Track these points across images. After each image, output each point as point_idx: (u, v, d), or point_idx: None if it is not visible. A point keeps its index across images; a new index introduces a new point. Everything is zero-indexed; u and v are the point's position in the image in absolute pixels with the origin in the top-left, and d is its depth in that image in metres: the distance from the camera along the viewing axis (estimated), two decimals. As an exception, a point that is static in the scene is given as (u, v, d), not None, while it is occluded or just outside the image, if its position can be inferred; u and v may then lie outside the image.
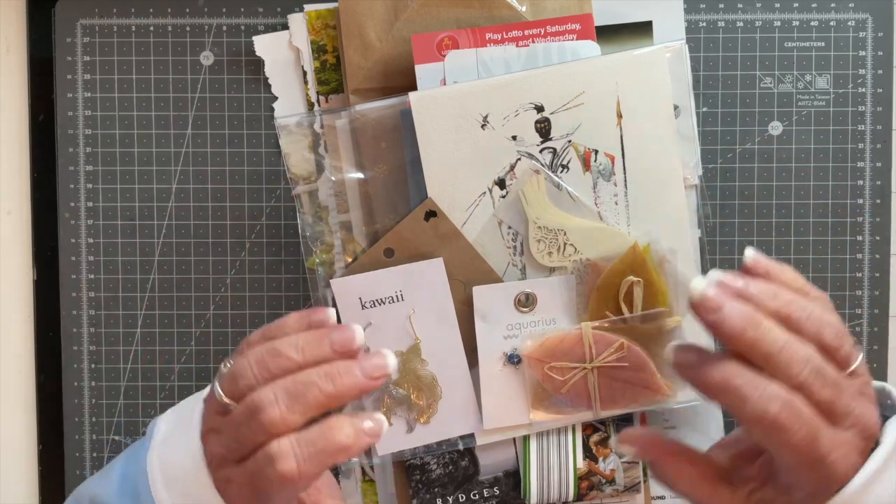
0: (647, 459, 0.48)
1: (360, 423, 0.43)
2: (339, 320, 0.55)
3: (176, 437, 0.48)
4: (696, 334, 0.55)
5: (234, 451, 0.44)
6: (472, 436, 0.56)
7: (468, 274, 0.55)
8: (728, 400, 0.42)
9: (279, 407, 0.43)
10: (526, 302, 0.55)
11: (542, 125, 0.55)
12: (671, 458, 0.48)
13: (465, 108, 0.54)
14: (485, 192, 0.55)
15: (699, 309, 0.42)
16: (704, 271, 0.56)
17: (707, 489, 0.46)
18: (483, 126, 0.54)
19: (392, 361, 0.44)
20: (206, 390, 0.49)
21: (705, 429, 0.58)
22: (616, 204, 0.55)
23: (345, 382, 0.43)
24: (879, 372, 0.60)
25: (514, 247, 0.55)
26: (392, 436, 0.56)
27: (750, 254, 0.45)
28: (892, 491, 0.43)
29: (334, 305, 0.55)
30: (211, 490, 0.45)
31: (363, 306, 0.55)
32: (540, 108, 0.54)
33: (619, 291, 0.55)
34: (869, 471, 0.43)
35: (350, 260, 0.56)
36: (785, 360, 0.41)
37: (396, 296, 0.55)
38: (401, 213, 0.55)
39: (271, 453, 0.42)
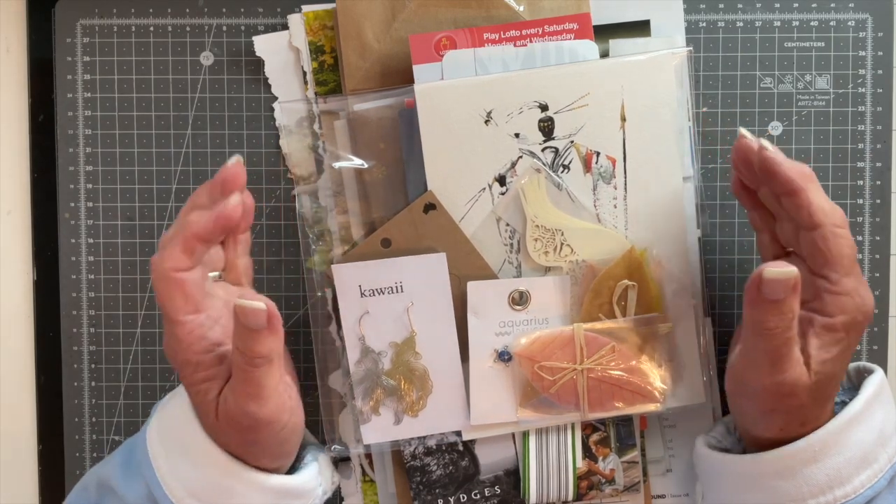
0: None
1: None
2: (336, 305, 0.56)
3: (172, 400, 0.51)
4: (687, 342, 0.55)
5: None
6: (459, 432, 0.56)
7: (464, 269, 0.55)
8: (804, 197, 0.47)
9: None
10: (520, 300, 0.55)
11: (546, 124, 0.54)
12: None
13: (468, 102, 0.54)
14: (484, 188, 0.55)
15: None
16: (704, 271, 0.56)
17: None
18: (486, 122, 0.54)
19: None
20: None
21: (703, 428, 0.57)
22: (615, 207, 0.55)
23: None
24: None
25: (511, 244, 0.55)
26: (379, 427, 0.56)
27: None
28: (872, 438, 0.48)
29: (334, 295, 0.55)
30: (194, 423, 0.49)
31: (362, 294, 0.55)
32: (544, 107, 0.54)
33: (613, 294, 0.55)
34: (852, 411, 0.48)
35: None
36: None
37: (396, 287, 0.55)
38: (398, 211, 0.55)
39: None
